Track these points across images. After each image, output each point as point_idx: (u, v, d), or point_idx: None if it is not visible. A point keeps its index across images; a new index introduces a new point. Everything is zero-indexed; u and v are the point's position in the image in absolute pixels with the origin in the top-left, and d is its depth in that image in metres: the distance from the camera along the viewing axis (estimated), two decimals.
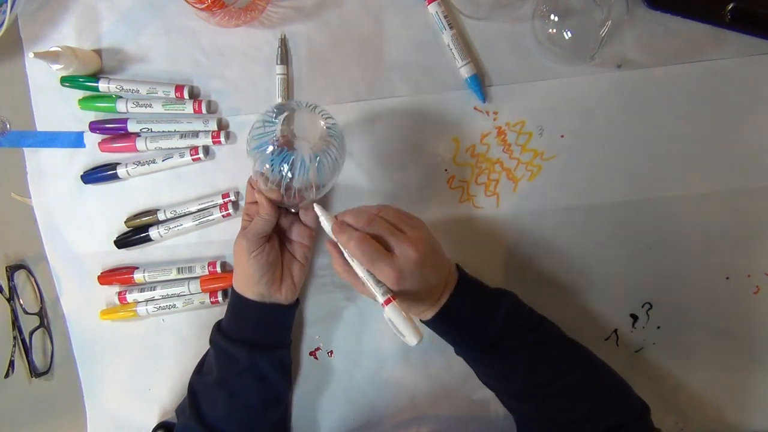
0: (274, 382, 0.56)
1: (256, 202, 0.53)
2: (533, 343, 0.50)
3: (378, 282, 0.47)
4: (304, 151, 0.50)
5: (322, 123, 0.51)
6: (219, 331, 0.56)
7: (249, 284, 0.54)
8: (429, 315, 0.51)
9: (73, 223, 0.64)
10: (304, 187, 0.51)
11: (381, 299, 0.46)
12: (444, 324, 0.51)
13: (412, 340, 0.45)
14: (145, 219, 0.62)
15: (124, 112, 0.62)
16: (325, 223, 0.50)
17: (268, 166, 0.50)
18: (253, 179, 0.53)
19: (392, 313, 0.45)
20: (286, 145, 0.50)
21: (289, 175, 0.49)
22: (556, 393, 0.49)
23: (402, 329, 0.45)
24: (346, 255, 0.49)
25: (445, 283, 0.51)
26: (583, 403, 0.49)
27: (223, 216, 0.61)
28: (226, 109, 0.62)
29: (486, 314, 0.50)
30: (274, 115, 0.50)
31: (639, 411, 0.50)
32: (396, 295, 0.46)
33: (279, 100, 0.60)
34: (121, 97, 0.61)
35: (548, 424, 0.50)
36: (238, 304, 0.55)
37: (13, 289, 0.64)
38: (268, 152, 0.50)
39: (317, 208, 0.51)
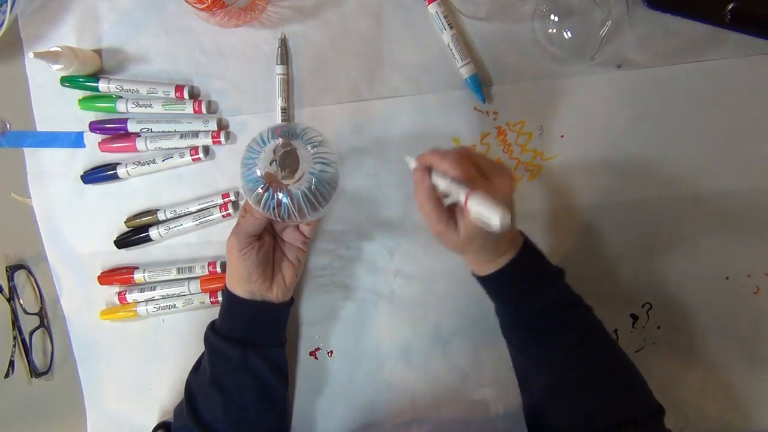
0: (268, 380, 0.56)
1: None
2: (581, 322, 0.51)
3: (459, 183, 0.45)
4: (287, 185, 0.49)
5: (312, 155, 0.50)
6: (212, 329, 0.56)
7: (239, 282, 0.54)
8: (492, 268, 0.50)
9: (73, 223, 0.64)
10: (291, 217, 0.51)
11: (462, 196, 0.44)
12: (508, 279, 0.50)
13: (498, 219, 0.41)
14: (145, 219, 0.62)
15: (124, 112, 0.62)
16: (411, 162, 0.49)
17: (257, 192, 0.49)
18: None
19: (476, 201, 0.43)
20: (269, 180, 0.49)
21: (275, 204, 0.49)
22: (588, 376, 0.49)
23: (487, 212, 0.42)
24: (434, 175, 0.47)
25: (511, 239, 0.50)
26: (609, 392, 0.49)
27: (223, 216, 0.61)
28: (226, 109, 0.62)
29: (548, 279, 0.50)
30: (261, 146, 0.50)
31: (655, 411, 0.50)
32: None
33: (279, 101, 0.60)
34: (121, 97, 0.61)
35: (567, 406, 0.50)
36: (229, 301, 0.55)
37: (13, 289, 0.64)
38: (250, 184, 0.49)
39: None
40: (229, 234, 0.54)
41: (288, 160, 0.51)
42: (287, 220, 0.51)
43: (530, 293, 0.50)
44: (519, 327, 0.52)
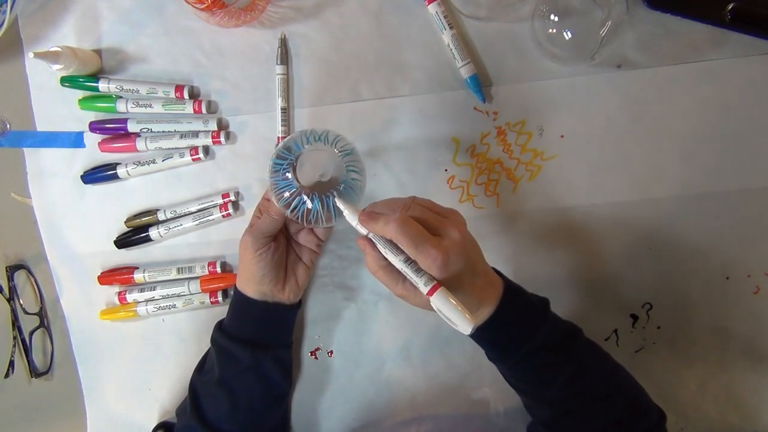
0: (276, 381, 0.56)
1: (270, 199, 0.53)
2: (573, 354, 0.49)
3: (418, 271, 0.43)
4: (316, 191, 0.49)
5: (345, 163, 0.50)
6: (220, 330, 0.56)
7: (252, 282, 0.54)
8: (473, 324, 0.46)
9: (73, 223, 0.64)
10: (318, 222, 0.51)
11: (425, 289, 0.42)
12: (493, 334, 0.47)
13: (465, 327, 0.40)
14: (145, 219, 0.62)
15: (124, 112, 0.62)
16: (351, 217, 0.47)
17: (286, 195, 0.50)
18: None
19: (440, 301, 0.41)
20: (298, 182, 0.50)
21: (305, 208, 0.50)
22: (589, 402, 0.48)
23: (453, 318, 0.41)
24: (380, 247, 0.45)
25: (488, 283, 0.47)
26: (611, 412, 0.48)
27: (223, 216, 0.61)
28: (226, 109, 0.62)
29: (534, 324, 0.48)
30: (292, 150, 0.50)
31: (657, 418, 0.49)
32: (440, 283, 0.42)
33: (279, 101, 0.60)
34: (121, 97, 0.61)
35: (571, 430, 0.49)
36: (240, 302, 0.55)
37: (13, 289, 0.64)
38: (280, 188, 0.50)
39: (340, 203, 0.48)
40: (243, 234, 0.54)
41: (318, 166, 0.51)
42: (312, 225, 0.51)
43: (518, 342, 0.47)
44: (512, 370, 0.50)
